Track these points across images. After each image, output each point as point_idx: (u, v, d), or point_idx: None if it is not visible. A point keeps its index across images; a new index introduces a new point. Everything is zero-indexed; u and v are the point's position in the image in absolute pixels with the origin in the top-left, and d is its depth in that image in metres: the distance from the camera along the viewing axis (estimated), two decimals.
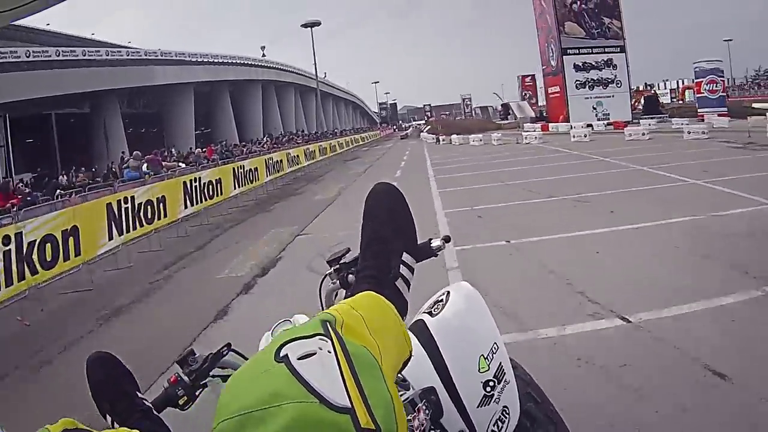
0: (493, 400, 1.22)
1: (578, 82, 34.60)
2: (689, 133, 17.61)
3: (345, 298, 1.10)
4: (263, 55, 51.66)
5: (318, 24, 40.63)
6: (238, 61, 44.87)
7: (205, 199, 12.46)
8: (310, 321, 0.84)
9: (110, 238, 8.44)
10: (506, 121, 58.79)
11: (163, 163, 14.28)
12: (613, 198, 8.48)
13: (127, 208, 9.08)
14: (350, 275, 1.45)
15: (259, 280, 6.42)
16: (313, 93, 55.77)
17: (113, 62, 29.96)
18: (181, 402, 1.29)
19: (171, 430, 1.19)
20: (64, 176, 21.73)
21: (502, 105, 78.86)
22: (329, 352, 0.74)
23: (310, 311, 1.29)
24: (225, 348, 1.38)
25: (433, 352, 1.25)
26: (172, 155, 21.09)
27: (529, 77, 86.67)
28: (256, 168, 16.75)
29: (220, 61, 41.78)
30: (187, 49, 37.35)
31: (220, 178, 13.57)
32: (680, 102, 43.67)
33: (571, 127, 25.09)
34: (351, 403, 0.67)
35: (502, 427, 1.22)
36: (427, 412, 1.06)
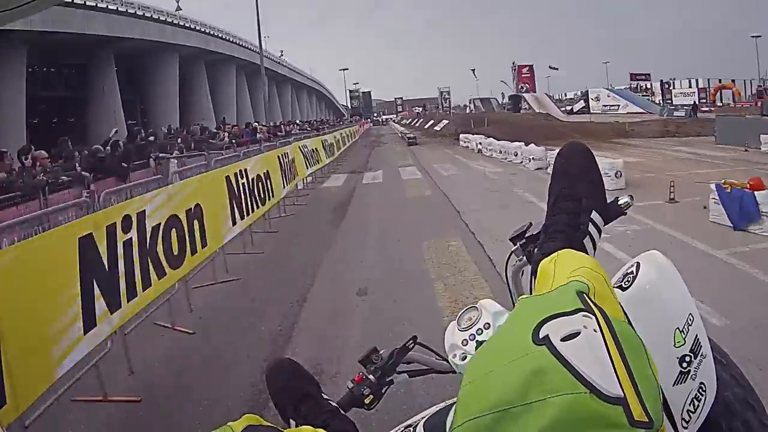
0: (689, 377, 1.07)
1: None
2: None
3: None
4: (178, 8, 33.21)
5: None
6: (126, 9, 26.55)
7: None
8: (562, 291, 0.72)
9: None
10: (578, 115, 45.48)
11: None
12: None
13: None
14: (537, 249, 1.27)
15: None
16: (266, 75, 40.17)
17: None
18: (367, 401, 1.21)
19: (359, 430, 1.13)
20: None
21: (510, 97, 68.16)
22: (595, 331, 0.62)
23: None
24: (411, 342, 1.28)
25: None
26: None
27: (527, 68, 75.93)
28: None
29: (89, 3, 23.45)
30: None
31: None
32: None
33: None
34: (623, 391, 0.57)
35: (698, 405, 1.07)
36: None
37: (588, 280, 0.74)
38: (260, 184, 7.52)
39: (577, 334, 0.61)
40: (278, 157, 9.61)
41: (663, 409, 0.91)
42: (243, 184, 6.68)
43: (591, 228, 1.11)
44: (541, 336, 0.61)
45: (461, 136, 26.09)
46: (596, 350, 0.60)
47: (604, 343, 0.61)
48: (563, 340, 0.60)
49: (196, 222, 4.98)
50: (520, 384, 0.57)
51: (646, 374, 0.60)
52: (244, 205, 6.53)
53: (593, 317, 0.64)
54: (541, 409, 0.55)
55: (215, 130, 15.88)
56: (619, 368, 0.58)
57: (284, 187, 9.34)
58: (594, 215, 1.12)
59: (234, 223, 6.05)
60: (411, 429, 1.05)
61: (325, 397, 1.17)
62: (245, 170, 6.92)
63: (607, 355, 0.59)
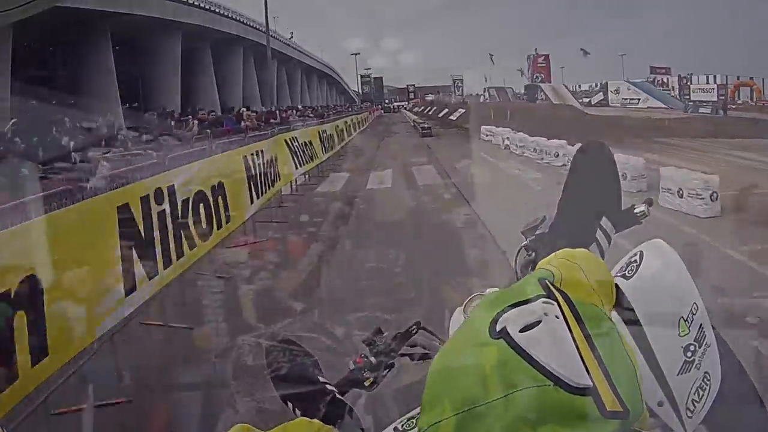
0: (693, 366, 1.06)
1: None
2: None
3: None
4: None
5: None
6: None
7: None
8: (524, 280, 0.70)
9: None
10: (597, 108, 44.84)
11: None
12: None
13: None
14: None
15: None
16: (275, 58, 38.89)
17: None
18: (366, 383, 1.21)
19: (356, 412, 1.11)
20: None
21: (526, 87, 65.91)
22: (557, 317, 0.59)
23: None
24: (414, 327, 1.30)
25: (630, 318, 1.08)
26: None
27: (542, 57, 74.05)
28: None
29: None
30: None
31: None
32: None
33: None
34: (592, 380, 0.54)
35: (702, 395, 1.06)
36: None
37: (556, 267, 0.71)
38: (202, 206, 5.05)
39: (538, 323, 0.57)
40: (245, 158, 7.03)
41: (668, 399, 0.95)
42: (161, 212, 4.23)
43: (599, 234, 1.10)
44: (498, 329, 0.58)
45: (483, 128, 23.74)
46: (559, 338, 0.56)
47: (569, 329, 0.57)
48: (522, 330, 0.56)
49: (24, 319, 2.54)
50: (481, 382, 0.54)
51: (619, 358, 0.56)
52: (159, 251, 4.09)
53: (555, 303, 0.60)
54: (504, 406, 0.52)
55: (183, 118, 13.30)
56: (586, 355, 0.54)
57: (252, 202, 6.88)
58: (604, 221, 1.11)
59: (130, 292, 3.67)
60: (414, 420, 0.94)
61: (322, 379, 1.11)
62: (167, 188, 4.45)
63: (572, 343, 0.55)
